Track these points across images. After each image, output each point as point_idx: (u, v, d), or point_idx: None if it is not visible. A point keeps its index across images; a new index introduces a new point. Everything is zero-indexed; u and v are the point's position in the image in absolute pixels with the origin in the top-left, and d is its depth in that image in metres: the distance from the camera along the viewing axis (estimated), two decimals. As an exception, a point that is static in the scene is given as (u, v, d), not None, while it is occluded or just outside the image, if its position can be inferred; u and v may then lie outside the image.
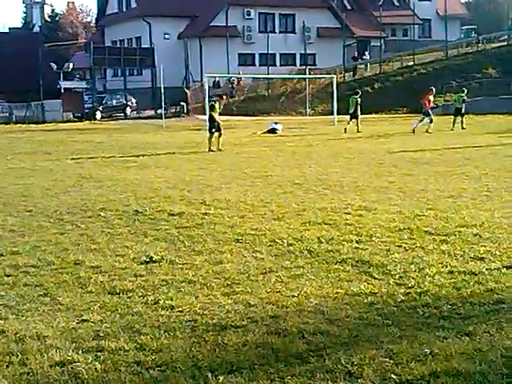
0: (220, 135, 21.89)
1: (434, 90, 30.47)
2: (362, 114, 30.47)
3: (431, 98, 29.86)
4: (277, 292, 6.15)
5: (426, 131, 27.89)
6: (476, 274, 6.54)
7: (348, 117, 30.07)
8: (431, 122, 28.51)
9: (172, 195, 11.92)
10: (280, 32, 58.65)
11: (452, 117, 30.57)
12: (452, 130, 29.40)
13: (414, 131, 27.75)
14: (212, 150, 21.14)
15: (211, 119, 22.21)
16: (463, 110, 30.87)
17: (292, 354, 4.69)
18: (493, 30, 62.91)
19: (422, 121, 28.78)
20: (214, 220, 9.55)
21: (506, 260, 7.04)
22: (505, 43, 59.00)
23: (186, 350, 4.81)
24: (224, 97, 23.92)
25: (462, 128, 29.64)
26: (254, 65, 56.23)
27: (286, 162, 17.93)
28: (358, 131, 29.07)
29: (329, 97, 40.73)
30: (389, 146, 22.23)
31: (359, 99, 30.13)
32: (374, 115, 41.36)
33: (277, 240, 8.19)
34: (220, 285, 6.40)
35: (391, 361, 4.53)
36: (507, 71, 49.85)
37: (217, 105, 22.77)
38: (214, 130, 21.86)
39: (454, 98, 32.91)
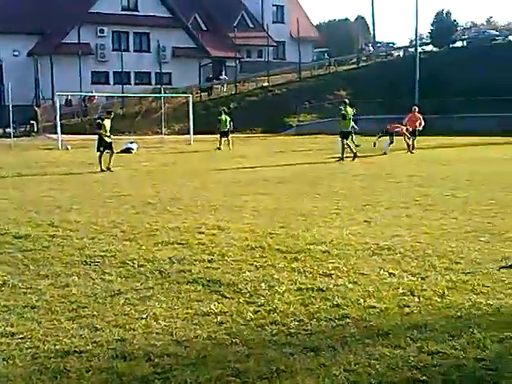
0: (111, 154, 21.14)
1: (416, 108, 29.42)
2: (219, 133, 31.52)
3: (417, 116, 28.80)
4: (125, 315, 6.00)
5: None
6: (324, 291, 6.68)
7: (219, 135, 31.38)
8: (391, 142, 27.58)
9: (18, 217, 11.39)
10: (134, 51, 58.11)
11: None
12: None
13: (385, 153, 26.44)
14: (103, 170, 20.42)
15: (99, 137, 21.37)
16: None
17: (137, 378, 4.58)
18: (344, 52, 65.62)
19: (392, 142, 27.04)
20: (61, 242, 9.20)
21: (353, 276, 7.25)
22: (355, 66, 61.81)
23: (26, 379, 4.57)
24: (112, 113, 22.91)
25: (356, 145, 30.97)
26: (108, 83, 55.29)
27: (140, 181, 17.71)
28: (230, 149, 30.20)
29: (185, 116, 40.77)
30: (245, 165, 22.51)
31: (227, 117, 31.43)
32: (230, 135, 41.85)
33: (127, 261, 8.02)
34: (65, 309, 6.16)
35: (238, 379, 4.51)
36: (356, 92, 52.05)
37: (106, 122, 21.66)
38: (101, 148, 21.10)
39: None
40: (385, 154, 26.14)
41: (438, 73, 52.97)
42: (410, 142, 27.60)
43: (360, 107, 40.22)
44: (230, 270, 7.60)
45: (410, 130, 27.75)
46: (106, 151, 21.12)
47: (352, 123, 28.24)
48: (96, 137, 22.10)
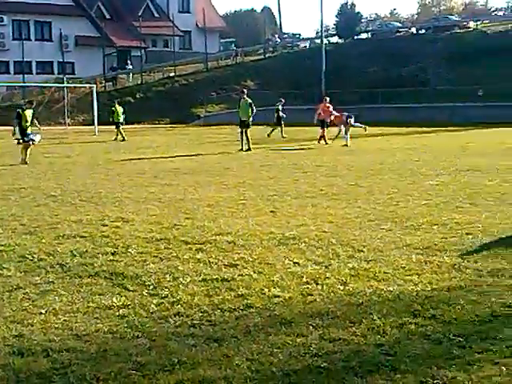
0: (27, 147, 20.37)
1: (327, 99, 28.96)
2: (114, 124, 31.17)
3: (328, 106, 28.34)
4: (23, 310, 5.79)
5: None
6: (228, 281, 6.66)
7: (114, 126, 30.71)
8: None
9: None
10: (36, 39, 56.56)
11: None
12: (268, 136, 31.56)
13: (346, 145, 25.65)
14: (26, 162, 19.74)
15: (20, 128, 20.60)
16: (282, 120, 32.70)
17: (34, 374, 4.43)
18: (250, 43, 65.90)
19: (347, 131, 26.45)
20: (-44, 237, 8.83)
21: (258, 266, 7.25)
22: (262, 56, 62.19)
23: None
24: (33, 103, 22.21)
25: (283, 137, 31.61)
26: (8, 73, 53.57)
27: (42, 173, 17.21)
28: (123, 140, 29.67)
29: (89, 106, 39.96)
30: (151, 156, 22.26)
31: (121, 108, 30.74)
32: (136, 125, 41.33)
33: (27, 255, 7.76)
34: (-41, 307, 5.90)
35: (138, 373, 4.43)
36: (264, 83, 52.46)
37: (27, 112, 20.88)
38: (20, 139, 20.52)
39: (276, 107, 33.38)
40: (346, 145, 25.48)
41: (343, 64, 54.01)
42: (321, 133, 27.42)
43: (267, 98, 40.57)
44: (134, 262, 7.47)
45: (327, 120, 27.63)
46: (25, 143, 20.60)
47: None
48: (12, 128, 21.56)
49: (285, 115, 32.98)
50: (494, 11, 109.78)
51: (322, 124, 27.41)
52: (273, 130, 32.80)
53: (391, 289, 6.35)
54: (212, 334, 5.16)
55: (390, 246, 8.17)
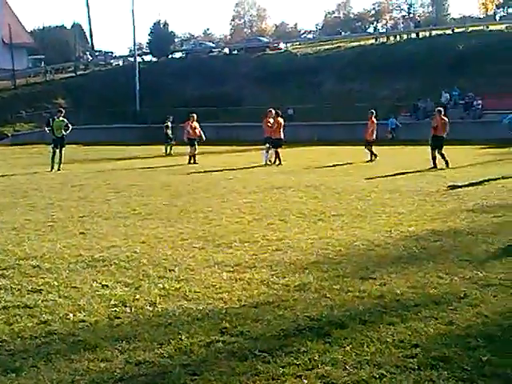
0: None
1: (195, 116, 27.39)
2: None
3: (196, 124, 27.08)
4: None
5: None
6: (31, 307, 6.33)
7: None
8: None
9: None
10: None
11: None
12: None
13: (266, 164, 24.01)
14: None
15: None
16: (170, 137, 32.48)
17: None
18: (61, 60, 64.09)
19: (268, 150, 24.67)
20: None
21: (64, 290, 6.96)
22: (73, 74, 60.74)
23: None
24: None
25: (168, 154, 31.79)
26: None
27: None
28: None
29: None
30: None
31: None
32: None
33: None
34: None
35: None
36: (76, 101, 51.27)
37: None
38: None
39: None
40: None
41: (158, 83, 54.11)
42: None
43: (80, 116, 39.66)
44: None
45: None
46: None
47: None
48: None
49: (171, 133, 32.79)
50: (303, 33, 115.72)
51: (191, 142, 26.39)
52: (166, 147, 32.28)
53: (201, 308, 6.34)
54: (10, 364, 4.86)
55: (202, 265, 8.18)
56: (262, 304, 6.47)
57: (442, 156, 20.88)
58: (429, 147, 21.30)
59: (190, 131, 26.73)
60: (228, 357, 5.04)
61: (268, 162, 23.84)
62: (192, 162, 25.67)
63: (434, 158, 20.88)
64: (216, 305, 6.46)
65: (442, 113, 21.91)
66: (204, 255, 8.77)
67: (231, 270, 7.92)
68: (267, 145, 24.31)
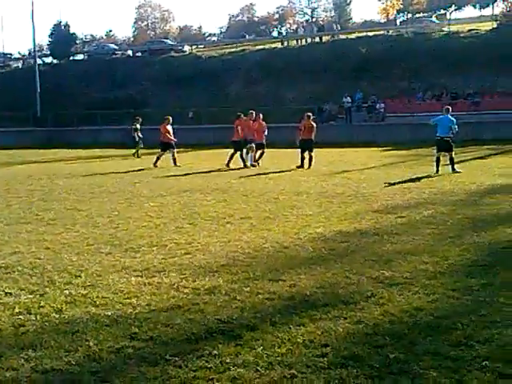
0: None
1: (170, 119, 25.74)
2: None
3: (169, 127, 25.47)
4: None
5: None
6: None
7: None
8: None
9: None
10: None
11: None
12: None
13: (251, 165, 23.02)
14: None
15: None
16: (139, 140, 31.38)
17: None
18: None
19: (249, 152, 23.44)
20: None
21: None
22: None
23: None
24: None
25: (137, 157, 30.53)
26: None
27: None
28: None
29: None
30: None
31: None
32: None
33: None
34: None
35: None
36: None
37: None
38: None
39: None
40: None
41: (60, 85, 53.01)
42: None
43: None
44: None
45: None
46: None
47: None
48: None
49: (141, 135, 31.52)
50: (207, 36, 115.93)
51: (165, 147, 25.19)
52: (137, 150, 31.03)
53: (109, 313, 6.22)
54: None
55: (109, 270, 8.04)
56: (171, 308, 6.41)
57: (310, 158, 21.90)
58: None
59: (166, 134, 25.34)
60: (138, 362, 4.96)
61: (254, 163, 23.16)
62: (157, 164, 24.43)
63: (302, 159, 21.92)
64: (125, 310, 6.35)
65: (312, 117, 23.03)
66: (111, 260, 8.62)
67: (140, 274, 7.81)
68: (249, 145, 23.36)
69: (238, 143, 23.45)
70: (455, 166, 18.89)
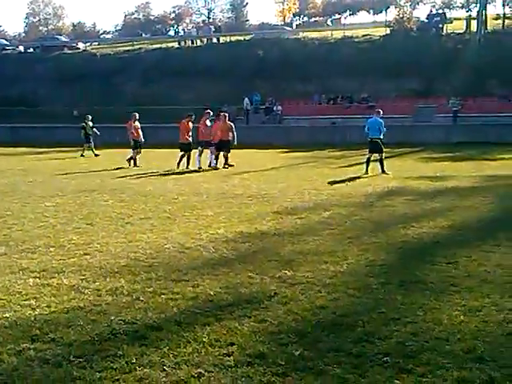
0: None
1: (136, 115, 24.19)
2: None
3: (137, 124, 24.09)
4: None
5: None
6: None
7: None
8: None
9: None
10: None
11: None
12: None
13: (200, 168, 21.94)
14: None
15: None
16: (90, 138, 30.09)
17: None
18: None
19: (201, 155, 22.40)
20: None
21: None
22: None
23: None
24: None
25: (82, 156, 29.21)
26: None
27: None
28: None
29: None
30: None
31: None
32: None
33: None
34: None
35: None
36: None
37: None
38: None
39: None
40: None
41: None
42: None
43: None
44: None
45: None
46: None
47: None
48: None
49: (98, 133, 30.03)
50: (102, 34, 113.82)
51: (135, 144, 23.86)
52: (84, 149, 29.39)
53: (7, 315, 6.05)
54: None
55: (5, 271, 7.81)
56: (73, 309, 6.28)
57: (226, 158, 22.42)
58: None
59: (134, 132, 24.01)
60: (41, 364, 4.85)
61: (203, 166, 22.13)
62: (132, 165, 23.29)
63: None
64: (24, 312, 6.18)
65: (227, 117, 23.27)
66: (7, 261, 8.37)
67: (38, 275, 7.62)
68: (200, 148, 22.51)
69: (187, 145, 22.79)
70: (384, 168, 19.38)
